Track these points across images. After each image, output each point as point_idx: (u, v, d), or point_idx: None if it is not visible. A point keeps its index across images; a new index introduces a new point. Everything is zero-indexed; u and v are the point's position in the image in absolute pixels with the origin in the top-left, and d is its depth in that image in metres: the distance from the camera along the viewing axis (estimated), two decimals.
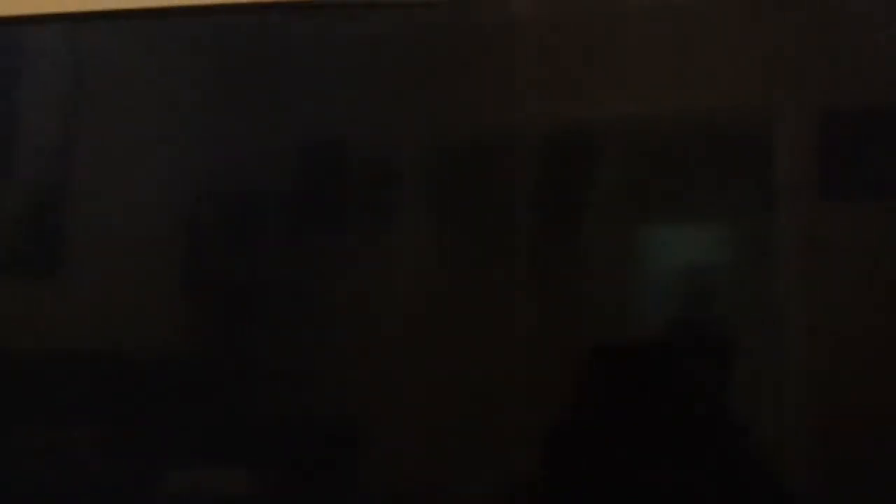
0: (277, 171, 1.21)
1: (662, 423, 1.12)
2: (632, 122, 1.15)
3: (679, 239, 1.16)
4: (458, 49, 1.18)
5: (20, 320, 1.26)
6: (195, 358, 1.21)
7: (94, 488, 1.20)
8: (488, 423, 1.13)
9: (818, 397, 1.11)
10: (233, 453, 1.19)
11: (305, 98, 1.20)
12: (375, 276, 1.17)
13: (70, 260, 1.25)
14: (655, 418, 1.12)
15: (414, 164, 1.19)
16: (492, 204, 1.16)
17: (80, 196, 1.26)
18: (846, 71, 1.13)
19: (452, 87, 1.18)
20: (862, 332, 1.10)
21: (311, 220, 1.19)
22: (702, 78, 1.15)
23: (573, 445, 1.14)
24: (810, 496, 1.11)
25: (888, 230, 1.11)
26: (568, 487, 1.13)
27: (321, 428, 1.18)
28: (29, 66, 1.29)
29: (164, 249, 1.23)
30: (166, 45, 1.25)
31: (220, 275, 1.22)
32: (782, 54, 1.14)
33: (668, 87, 1.15)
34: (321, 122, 1.20)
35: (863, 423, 1.10)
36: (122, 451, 1.20)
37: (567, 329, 1.14)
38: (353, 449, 1.17)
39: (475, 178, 1.16)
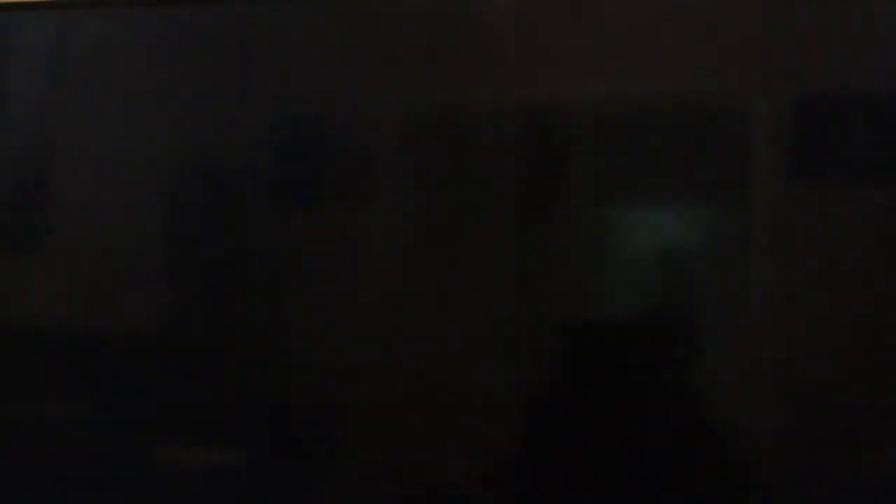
0: (260, 152, 1.22)
1: (634, 403, 1.14)
2: (608, 106, 1.16)
3: (653, 221, 1.18)
4: (439, 31, 1.20)
5: (2, 296, 1.28)
6: (176, 335, 1.22)
7: (78, 464, 1.22)
8: (468, 401, 1.15)
9: (788, 381, 1.13)
10: (216, 431, 1.20)
11: (288, 79, 1.21)
12: (357, 256, 1.19)
13: (52, 236, 1.26)
14: (627, 398, 1.14)
15: (394, 145, 1.20)
16: (471, 185, 1.17)
17: (63, 173, 1.27)
18: (817, 57, 1.14)
19: (432, 68, 1.19)
20: (830, 316, 1.12)
21: (293, 200, 1.21)
22: (678, 62, 1.16)
23: (550, 423, 1.16)
24: (780, 479, 1.13)
25: (857, 214, 1.13)
26: (544, 465, 1.15)
27: (305, 403, 1.19)
28: (9, 47, 1.30)
29: (145, 228, 1.24)
30: (146, 28, 1.26)
31: (202, 253, 1.23)
32: (756, 40, 1.15)
33: (644, 71, 1.16)
34: (304, 102, 1.21)
35: (832, 406, 1.13)
36: (104, 427, 1.22)
37: (544, 309, 1.16)
38: (336, 425, 1.19)
39: (455, 159, 1.18)
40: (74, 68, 1.29)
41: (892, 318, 1.12)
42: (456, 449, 1.17)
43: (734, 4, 1.16)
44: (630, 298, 1.16)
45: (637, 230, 1.18)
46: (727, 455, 1.15)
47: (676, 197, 1.18)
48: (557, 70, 1.18)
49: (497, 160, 1.17)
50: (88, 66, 1.28)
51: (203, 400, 1.21)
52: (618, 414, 1.14)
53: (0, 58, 1.31)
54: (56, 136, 1.29)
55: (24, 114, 1.30)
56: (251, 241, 1.22)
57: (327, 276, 1.20)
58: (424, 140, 1.20)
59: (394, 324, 1.18)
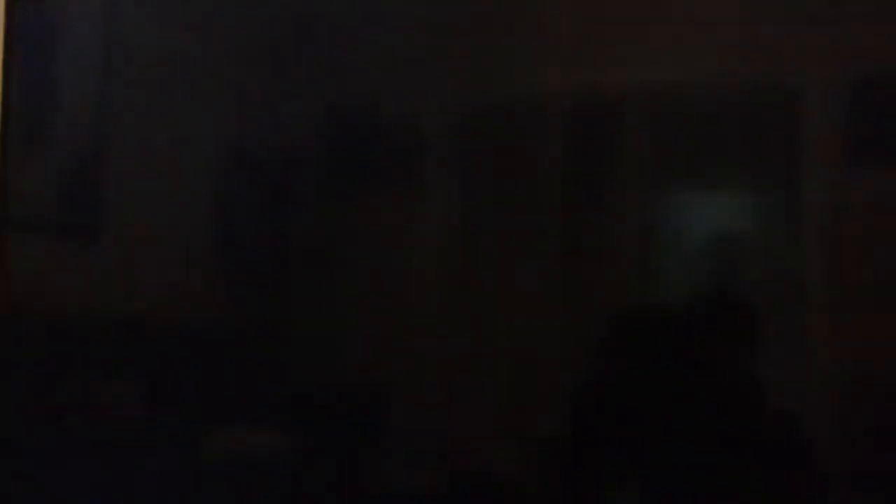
0: (309, 138, 1.23)
1: (687, 388, 1.12)
2: (659, 90, 1.15)
3: (705, 206, 1.17)
4: (486, 16, 1.19)
5: (63, 284, 1.30)
6: (228, 322, 1.24)
7: (135, 445, 1.24)
8: (515, 388, 1.15)
9: (843, 365, 1.11)
10: (266, 414, 1.21)
11: (336, 65, 1.22)
12: (404, 241, 1.19)
13: (109, 226, 1.28)
14: (680, 384, 1.13)
15: (442, 130, 1.20)
16: (520, 170, 1.17)
17: (118, 163, 1.29)
18: (875, 38, 1.12)
19: (481, 53, 1.19)
20: (887, 300, 1.10)
21: (343, 187, 1.21)
22: (730, 45, 1.15)
23: (599, 409, 1.15)
24: (836, 464, 1.11)
25: None
26: (593, 450, 1.15)
27: (353, 386, 1.20)
28: (65, 38, 1.32)
29: (197, 214, 1.25)
30: (199, 10, 1.27)
31: (253, 241, 1.24)
32: (811, 22, 1.13)
33: (696, 54, 1.15)
34: (351, 88, 1.22)
35: (888, 392, 1.11)
36: (161, 411, 1.24)
37: (595, 295, 1.15)
38: (383, 409, 1.19)
39: (503, 144, 1.17)
40: (126, 57, 1.30)
41: None
42: (505, 436, 1.17)
43: None
44: (682, 286, 1.15)
45: (690, 217, 1.16)
46: (783, 446, 1.13)
47: (730, 183, 1.17)
48: (608, 56, 1.17)
49: (545, 148, 1.17)
50: (142, 54, 1.29)
51: (255, 386, 1.22)
52: (668, 403, 1.13)
53: (47, 46, 1.33)
54: (109, 127, 1.31)
55: (75, 106, 1.32)
56: (304, 232, 1.23)
57: (377, 266, 1.20)
58: (472, 127, 1.20)
59: (441, 312, 1.18)
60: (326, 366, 1.21)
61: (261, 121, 1.25)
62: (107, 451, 1.25)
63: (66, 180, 1.32)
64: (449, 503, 1.18)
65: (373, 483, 1.20)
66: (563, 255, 1.16)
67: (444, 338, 1.18)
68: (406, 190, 1.20)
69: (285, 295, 1.23)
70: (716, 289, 1.15)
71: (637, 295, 1.16)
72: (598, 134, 1.17)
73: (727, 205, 1.17)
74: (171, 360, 1.25)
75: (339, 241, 1.23)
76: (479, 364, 1.17)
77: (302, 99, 1.24)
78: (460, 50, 1.21)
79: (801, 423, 1.12)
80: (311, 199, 1.24)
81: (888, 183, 1.12)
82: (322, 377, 1.21)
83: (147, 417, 1.25)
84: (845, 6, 1.13)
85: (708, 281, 1.16)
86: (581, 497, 1.16)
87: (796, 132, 1.13)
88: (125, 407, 1.26)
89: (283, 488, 1.20)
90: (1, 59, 1.35)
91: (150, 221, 1.27)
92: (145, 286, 1.28)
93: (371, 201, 1.21)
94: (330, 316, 1.21)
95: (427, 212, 1.20)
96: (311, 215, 1.24)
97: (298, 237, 1.24)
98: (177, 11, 1.29)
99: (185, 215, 1.27)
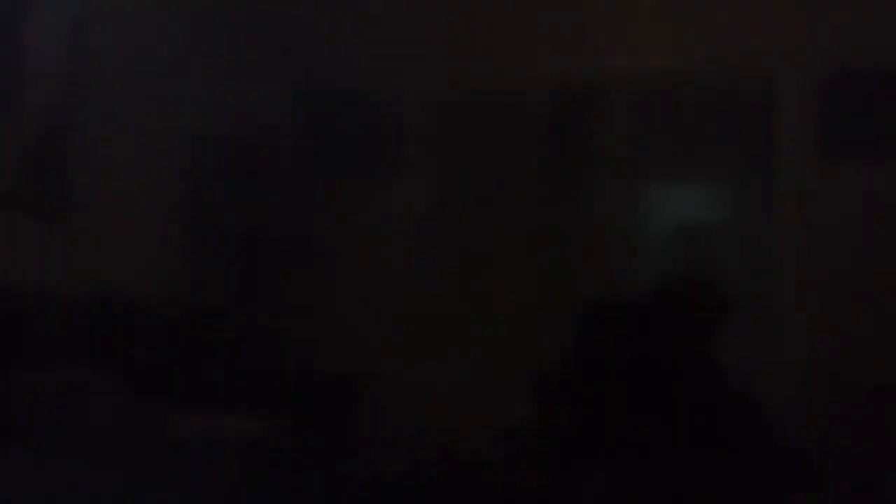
0: (285, 119, 1.23)
1: (659, 371, 1.14)
2: (636, 80, 1.16)
3: (679, 194, 1.18)
4: (467, 2, 1.20)
5: (28, 261, 1.29)
6: (200, 302, 1.23)
7: (103, 428, 1.23)
8: (490, 370, 1.16)
9: (812, 349, 1.13)
10: (238, 397, 1.21)
11: (315, 47, 1.21)
12: (381, 224, 1.19)
13: (77, 204, 1.27)
14: (653, 367, 1.14)
15: (421, 115, 1.20)
16: (498, 156, 1.17)
17: (87, 140, 1.28)
18: (848, 30, 1.14)
19: (462, 40, 1.19)
20: (857, 287, 1.12)
21: (318, 167, 1.21)
22: (706, 36, 1.16)
23: (571, 392, 1.16)
24: (804, 443, 1.13)
25: (887, 188, 1.13)
26: (565, 433, 1.16)
27: (326, 372, 1.20)
28: (33, 11, 1.30)
29: (169, 194, 1.24)
30: None
31: (226, 222, 1.24)
32: (785, 13, 1.15)
33: (672, 45, 1.16)
34: (330, 70, 1.22)
35: (855, 376, 1.13)
36: (128, 393, 1.23)
37: (570, 280, 1.16)
38: (356, 394, 1.20)
39: (482, 130, 1.18)
40: (97, 30, 1.29)
41: None
42: (478, 420, 1.18)
43: None
44: (657, 274, 1.17)
45: (665, 206, 1.18)
46: (752, 431, 1.15)
47: (705, 173, 1.18)
48: (587, 46, 1.18)
49: (524, 134, 1.18)
50: (113, 29, 1.28)
51: (227, 369, 1.21)
52: (643, 386, 1.14)
53: (15, 18, 1.31)
54: (78, 102, 1.29)
55: (43, 78, 1.30)
56: (274, 211, 1.22)
57: (348, 248, 1.21)
58: (451, 113, 1.21)
59: (417, 296, 1.18)
60: (301, 350, 1.21)
61: (235, 98, 1.25)
62: (74, 430, 1.24)
63: (33, 155, 1.31)
64: (423, 488, 1.19)
65: (346, 466, 1.20)
66: (539, 242, 1.17)
67: (419, 322, 1.18)
68: (383, 174, 1.21)
69: (258, 275, 1.23)
70: (689, 277, 1.17)
71: (612, 282, 1.17)
72: (576, 122, 1.18)
73: (702, 193, 1.19)
74: (140, 340, 1.24)
75: (315, 223, 1.23)
76: (452, 349, 1.17)
77: (278, 78, 1.24)
78: (440, 35, 1.21)
79: (771, 410, 1.15)
80: (286, 179, 1.24)
81: (862, 173, 1.15)
82: (298, 362, 1.21)
83: (115, 397, 1.25)
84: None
85: (681, 269, 1.17)
86: (554, 482, 1.17)
87: (770, 122, 1.14)
88: (93, 386, 1.25)
89: (256, 471, 1.20)
90: None
91: (120, 198, 1.26)
92: (114, 264, 1.27)
93: (349, 185, 1.22)
94: (304, 299, 1.22)
95: (405, 196, 1.21)
96: (287, 197, 1.24)
97: (272, 215, 1.24)
98: None
99: (156, 193, 1.26)
